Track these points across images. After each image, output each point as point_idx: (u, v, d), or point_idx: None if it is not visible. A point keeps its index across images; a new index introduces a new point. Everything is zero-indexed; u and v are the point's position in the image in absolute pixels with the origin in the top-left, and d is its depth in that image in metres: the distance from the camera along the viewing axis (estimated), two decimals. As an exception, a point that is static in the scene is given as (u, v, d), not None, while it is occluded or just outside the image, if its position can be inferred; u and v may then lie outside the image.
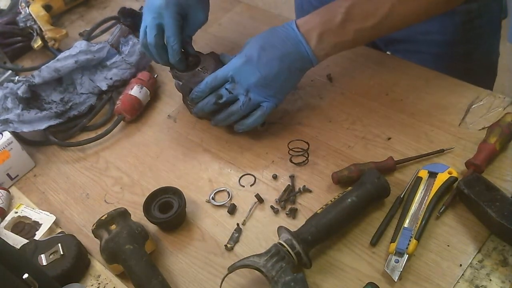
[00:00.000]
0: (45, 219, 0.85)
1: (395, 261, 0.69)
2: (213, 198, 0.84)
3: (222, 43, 1.13)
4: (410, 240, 0.69)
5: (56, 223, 0.86)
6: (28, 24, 1.18)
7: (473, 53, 1.07)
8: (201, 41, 1.14)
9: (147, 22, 0.88)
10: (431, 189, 0.75)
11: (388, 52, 1.14)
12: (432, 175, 0.76)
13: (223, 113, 0.87)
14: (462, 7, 0.98)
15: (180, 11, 0.87)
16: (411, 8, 0.82)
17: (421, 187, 0.76)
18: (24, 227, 0.85)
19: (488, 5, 1.02)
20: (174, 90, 0.98)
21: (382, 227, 0.74)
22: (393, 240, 0.71)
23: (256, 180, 0.85)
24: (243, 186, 0.85)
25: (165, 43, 0.89)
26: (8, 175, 0.93)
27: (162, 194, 0.82)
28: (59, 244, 0.77)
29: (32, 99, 1.00)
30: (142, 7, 1.19)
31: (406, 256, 0.69)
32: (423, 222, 0.71)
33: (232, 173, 0.87)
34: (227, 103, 0.86)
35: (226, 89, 0.84)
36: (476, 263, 0.68)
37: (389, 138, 0.86)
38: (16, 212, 0.87)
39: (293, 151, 0.86)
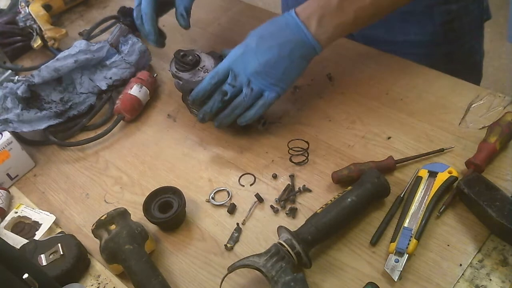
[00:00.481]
0: (45, 219, 0.85)
1: (395, 261, 0.69)
2: (213, 198, 0.84)
3: (222, 42, 1.13)
4: (410, 240, 0.69)
5: (56, 223, 0.86)
6: (28, 24, 1.18)
7: (455, 54, 1.08)
8: (201, 41, 1.14)
9: None
10: (431, 189, 0.75)
11: None
12: (432, 174, 0.76)
13: (228, 108, 0.86)
14: (441, 7, 0.99)
15: None
16: None
17: (421, 187, 0.76)
18: (24, 227, 0.85)
19: (467, 7, 1.02)
20: (174, 89, 0.98)
21: (382, 226, 0.74)
22: (393, 240, 0.71)
23: (256, 179, 0.85)
24: (243, 186, 0.85)
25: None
26: (8, 175, 0.93)
27: (162, 193, 0.82)
28: (59, 244, 0.77)
29: (31, 98, 1.00)
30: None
31: (406, 256, 0.69)
32: (423, 221, 0.71)
33: (232, 172, 0.87)
34: (232, 99, 0.85)
35: (229, 84, 0.84)
36: (476, 263, 0.68)
37: (389, 138, 0.86)
38: (16, 212, 0.87)
39: (293, 150, 0.86)
